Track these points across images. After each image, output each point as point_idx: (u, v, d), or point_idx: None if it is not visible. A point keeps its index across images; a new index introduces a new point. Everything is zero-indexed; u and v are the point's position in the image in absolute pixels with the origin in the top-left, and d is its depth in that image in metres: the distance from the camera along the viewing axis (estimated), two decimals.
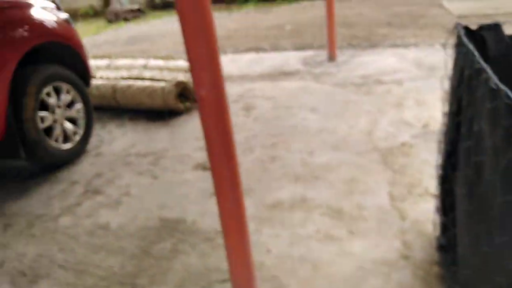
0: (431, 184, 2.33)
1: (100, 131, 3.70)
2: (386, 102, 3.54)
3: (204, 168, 2.87)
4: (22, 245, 2.25)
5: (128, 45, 7.87)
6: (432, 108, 3.29)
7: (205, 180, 2.70)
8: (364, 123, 3.19)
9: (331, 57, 5.02)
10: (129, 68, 4.56)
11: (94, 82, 4.08)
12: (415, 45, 5.20)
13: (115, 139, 3.51)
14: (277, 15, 8.84)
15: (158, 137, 3.47)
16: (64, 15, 3.17)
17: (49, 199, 2.70)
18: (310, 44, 6.00)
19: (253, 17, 9.06)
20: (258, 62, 5.34)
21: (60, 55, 3.17)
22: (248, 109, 3.85)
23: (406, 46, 5.22)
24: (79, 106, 3.22)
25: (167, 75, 4.17)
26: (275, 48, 6.01)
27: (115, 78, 4.15)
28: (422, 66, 4.38)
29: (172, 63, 4.48)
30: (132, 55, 6.56)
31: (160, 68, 4.43)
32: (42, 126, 2.85)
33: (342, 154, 2.79)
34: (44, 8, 3.01)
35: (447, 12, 6.87)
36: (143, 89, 3.88)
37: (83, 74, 3.34)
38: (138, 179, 2.82)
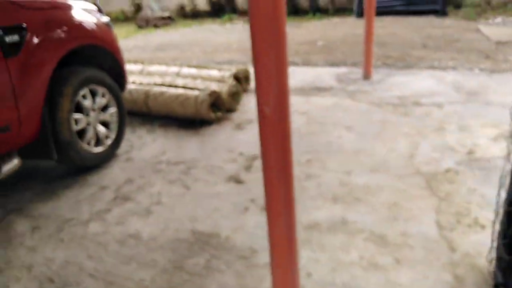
0: (481, 215, 2.20)
1: (131, 136, 3.65)
2: (426, 125, 3.41)
3: (236, 181, 2.78)
4: (50, 249, 2.18)
5: (157, 51, 7.92)
6: (476, 135, 3.14)
7: (238, 194, 2.61)
8: (404, 146, 3.06)
9: (366, 75, 4.91)
10: (162, 74, 4.54)
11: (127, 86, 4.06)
12: (453, 68, 5.06)
13: (145, 145, 3.46)
14: (308, 31, 8.80)
15: (189, 145, 3.40)
16: (105, 19, 3.16)
17: (78, 203, 2.64)
18: (342, 61, 5.91)
19: None
20: (290, 75, 5.24)
21: (98, 58, 3.15)
22: None
23: (443, 68, 5.08)
24: (113, 110, 3.18)
25: (200, 84, 4.12)
26: (307, 63, 5.94)
27: (148, 84, 4.12)
28: (462, 90, 4.24)
29: (205, 72, 4.44)
30: (163, 61, 6.58)
31: (193, 77, 4.39)
32: (75, 128, 2.81)
33: (382, 176, 2.66)
34: (85, 10, 3.00)
35: (485, 38, 6.71)
36: (176, 97, 3.83)
37: (119, 78, 3.31)
38: (169, 188, 2.75)
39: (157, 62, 6.46)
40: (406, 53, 6.10)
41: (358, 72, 5.18)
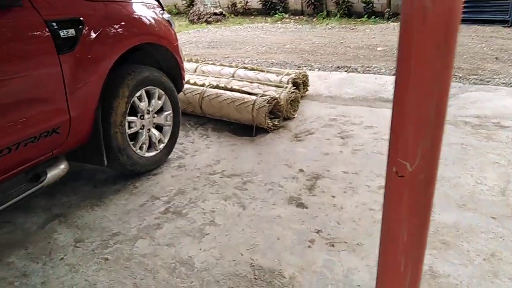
0: None
1: (183, 139, 3.42)
2: None
3: (298, 204, 2.47)
4: (93, 270, 1.96)
5: (210, 48, 7.73)
6: None
7: (301, 221, 2.30)
8: (494, 178, 2.64)
9: None
10: (217, 75, 4.29)
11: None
12: None
13: (198, 151, 3.22)
14: (365, 34, 8.34)
15: (244, 156, 3.13)
16: (166, 15, 2.93)
17: (125, 214, 2.43)
18: None
19: (339, 34, 8.62)
20: (349, 83, 4.88)
21: (157, 57, 2.94)
22: (344, 137, 3.41)
23: None
24: (168, 112, 2.96)
25: (257, 88, 3.85)
26: (367, 69, 5.53)
27: (203, 85, 3.89)
28: None
29: (262, 76, 4.16)
30: (215, 58, 6.37)
31: (250, 80, 4.12)
32: (129, 131, 2.60)
33: (473, 215, 2.27)
34: (146, 5, 2.78)
35: None
36: (232, 101, 3.57)
37: (177, 80, 3.08)
38: (223, 205, 2.48)
39: (210, 59, 6.26)
40: (477, 66, 5.56)
41: None
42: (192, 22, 11.37)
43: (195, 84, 3.94)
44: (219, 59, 6.45)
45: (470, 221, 2.21)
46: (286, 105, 3.74)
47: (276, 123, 3.62)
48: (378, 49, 6.82)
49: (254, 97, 3.55)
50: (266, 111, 3.44)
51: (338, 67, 5.70)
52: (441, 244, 2.03)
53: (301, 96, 4.29)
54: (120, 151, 2.52)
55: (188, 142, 3.38)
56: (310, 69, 5.63)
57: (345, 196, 2.54)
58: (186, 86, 3.85)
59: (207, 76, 4.27)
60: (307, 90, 4.51)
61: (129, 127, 2.62)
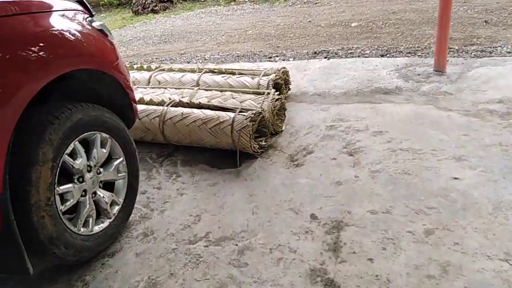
0: None
1: (146, 185, 2.58)
2: None
3: (326, 281, 1.72)
4: None
5: (161, 43, 6.75)
6: None
7: None
8: None
9: (439, 68, 3.78)
10: (178, 85, 3.43)
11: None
12: None
13: (169, 202, 2.39)
14: (332, 8, 7.57)
15: (231, 202, 2.33)
16: (97, 23, 2.02)
17: None
18: (394, 47, 4.76)
19: (303, 11, 7.81)
20: (334, 72, 4.13)
21: (92, 86, 2.06)
22: (352, 152, 2.68)
23: None
24: (119, 161, 2.10)
25: (231, 99, 3.02)
26: (350, 53, 4.78)
27: (162, 103, 3.02)
28: None
29: (234, 80, 3.33)
30: (170, 57, 5.45)
31: (220, 87, 3.28)
32: (63, 208, 1.74)
33: None
34: (66, 14, 1.87)
35: None
36: (204, 122, 2.74)
37: (125, 111, 2.22)
38: None
39: (164, 59, 5.33)
40: (470, 34, 4.94)
41: (422, 63, 4.06)
42: (136, 13, 10.22)
43: (151, 102, 3.07)
44: (174, 57, 5.53)
45: None
46: (272, 118, 2.95)
47: (263, 143, 2.83)
48: (353, 24, 6.08)
49: (231, 114, 2.73)
50: (250, 132, 2.64)
51: (315, 52, 4.92)
52: None
53: (285, 98, 3.50)
54: (52, 242, 1.67)
55: (153, 189, 2.54)
56: (283, 59, 4.83)
57: (386, 257, 1.81)
58: (140, 107, 2.98)
59: (165, 88, 3.39)
60: (289, 89, 3.72)
61: (63, 202, 1.76)
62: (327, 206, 2.18)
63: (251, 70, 3.55)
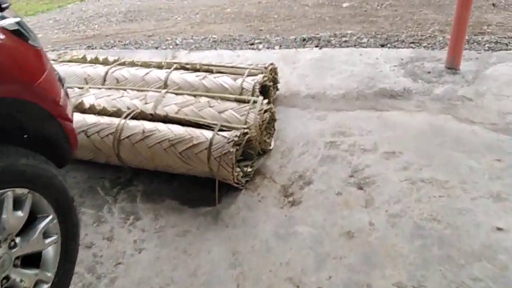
0: None
1: (93, 233, 1.94)
2: None
3: None
4: None
5: (126, 21, 5.91)
6: None
7: None
8: None
9: (453, 65, 3.23)
10: (140, 85, 2.74)
11: (81, 117, 2.30)
12: None
13: (122, 267, 1.76)
14: None
15: (207, 265, 1.73)
16: (9, 21, 1.32)
17: None
18: (394, 35, 4.16)
19: None
20: (329, 66, 3.52)
21: (10, 123, 1.38)
22: (362, 184, 2.11)
23: None
24: (46, 222, 1.46)
25: (207, 108, 2.38)
26: (344, 40, 4.15)
27: (118, 113, 2.35)
28: None
29: (210, 81, 2.67)
30: (136, 40, 4.69)
31: (194, 89, 2.63)
32: None
33: None
34: None
35: None
36: (172, 144, 2.10)
37: (57, 146, 1.55)
38: None
39: (128, 41, 4.58)
40: (478, 20, 4.39)
41: (431, 57, 3.50)
42: None
43: (103, 112, 2.39)
44: (141, 40, 4.76)
45: None
46: (260, 136, 2.33)
47: (249, 170, 2.22)
48: (344, 5, 5.42)
49: (208, 134, 2.10)
50: (233, 161, 2.02)
51: (303, 39, 4.26)
52: None
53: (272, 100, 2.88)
54: None
55: (103, 240, 1.90)
56: (268, 47, 4.17)
57: None
58: (90, 118, 2.31)
59: (124, 90, 2.69)
60: (277, 89, 3.10)
61: None
62: (339, 275, 1.62)
63: (232, 67, 2.89)
